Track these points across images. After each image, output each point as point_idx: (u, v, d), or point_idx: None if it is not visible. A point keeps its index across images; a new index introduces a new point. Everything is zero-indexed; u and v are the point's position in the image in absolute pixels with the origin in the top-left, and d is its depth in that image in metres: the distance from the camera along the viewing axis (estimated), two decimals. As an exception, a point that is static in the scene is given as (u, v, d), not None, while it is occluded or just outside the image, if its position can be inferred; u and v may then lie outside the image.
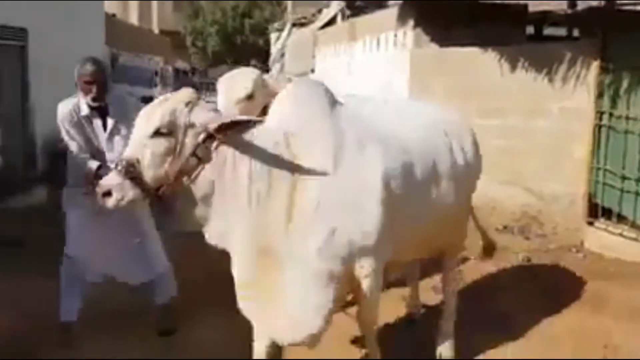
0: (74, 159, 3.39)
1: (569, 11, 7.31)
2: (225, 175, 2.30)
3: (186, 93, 2.34)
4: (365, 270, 2.55)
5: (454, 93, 6.51)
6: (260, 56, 33.81)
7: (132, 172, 2.23)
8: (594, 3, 6.19)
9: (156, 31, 35.66)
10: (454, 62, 6.76)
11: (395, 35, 8.12)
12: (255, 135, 2.34)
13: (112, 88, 3.55)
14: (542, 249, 5.49)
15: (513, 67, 6.16)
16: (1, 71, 6.95)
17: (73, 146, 3.36)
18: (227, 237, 2.36)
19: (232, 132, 2.27)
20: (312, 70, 13.25)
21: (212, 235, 2.36)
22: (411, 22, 7.59)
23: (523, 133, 6.20)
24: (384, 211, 2.48)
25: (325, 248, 2.39)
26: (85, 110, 3.36)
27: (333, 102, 2.57)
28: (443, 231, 3.01)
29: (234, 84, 3.04)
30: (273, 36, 27.03)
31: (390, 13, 8.41)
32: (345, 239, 2.43)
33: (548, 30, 9.23)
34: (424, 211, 2.76)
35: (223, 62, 38.93)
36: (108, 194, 2.25)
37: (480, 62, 6.52)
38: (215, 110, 2.39)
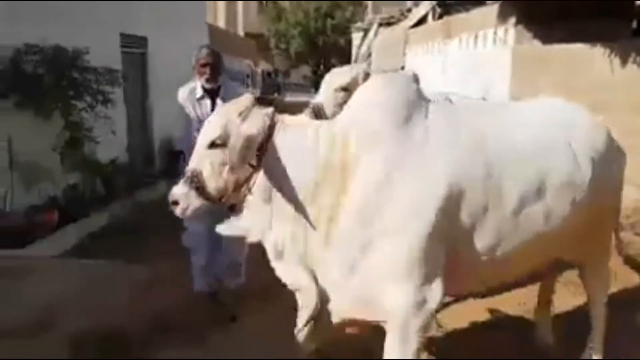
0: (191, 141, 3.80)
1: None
2: (275, 183, 2.34)
3: (243, 101, 2.41)
4: (392, 301, 2.27)
5: (560, 89, 6.50)
6: (341, 56, 34.08)
7: (196, 182, 2.32)
8: None
9: (241, 34, 36.81)
10: (559, 59, 6.76)
11: (495, 33, 8.17)
12: (306, 142, 2.35)
13: (224, 76, 3.94)
14: (655, 246, 5.46)
15: (623, 63, 6.12)
16: (127, 76, 7.60)
17: (195, 122, 3.74)
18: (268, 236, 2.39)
19: (280, 139, 2.33)
20: (402, 68, 13.40)
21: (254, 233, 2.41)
22: (512, 20, 7.64)
23: (633, 128, 6.14)
24: (434, 235, 2.25)
25: (349, 264, 2.29)
26: (199, 92, 3.77)
27: (415, 99, 2.43)
28: (556, 249, 2.72)
29: (335, 78, 3.20)
30: (355, 36, 27.31)
31: (490, 11, 8.47)
32: (373, 260, 2.26)
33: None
34: (518, 233, 2.43)
35: (305, 63, 39.66)
36: (175, 202, 2.37)
37: (587, 58, 6.50)
38: (269, 115, 2.37)
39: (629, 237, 5.64)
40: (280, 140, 2.35)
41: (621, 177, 2.97)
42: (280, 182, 2.33)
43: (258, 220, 2.39)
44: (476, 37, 8.95)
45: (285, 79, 38.23)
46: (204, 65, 3.74)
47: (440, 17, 12.95)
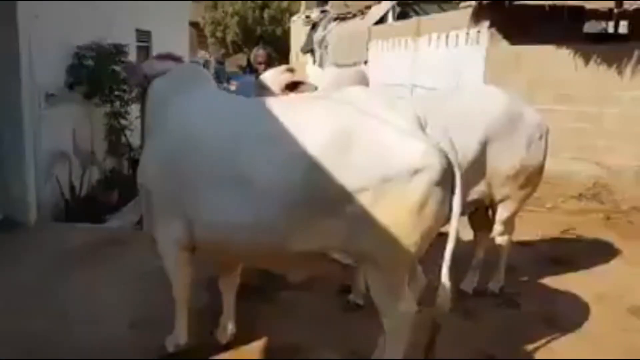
0: None
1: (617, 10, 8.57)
2: None
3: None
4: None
5: (532, 84, 7.78)
6: (277, 46, 34.69)
7: None
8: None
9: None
10: (530, 58, 8.00)
11: (468, 33, 9.35)
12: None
13: None
14: (616, 210, 6.85)
15: (586, 62, 7.45)
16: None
17: None
18: None
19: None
20: (365, 62, 14.45)
21: None
22: (486, 23, 8.83)
23: (595, 117, 7.50)
24: (159, 188, 2.85)
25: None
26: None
27: (192, 82, 3.05)
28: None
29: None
30: (296, 27, 28.19)
31: (461, 14, 9.66)
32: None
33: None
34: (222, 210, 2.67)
35: (240, 52, 40.05)
36: None
37: (554, 58, 7.79)
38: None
39: (595, 205, 7.03)
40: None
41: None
42: None
43: None
44: (447, 36, 10.10)
45: (221, 66, 38.51)
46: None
47: (399, 16, 14.12)
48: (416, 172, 2.46)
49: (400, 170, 2.47)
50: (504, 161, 3.85)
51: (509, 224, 4.16)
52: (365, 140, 2.51)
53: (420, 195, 2.48)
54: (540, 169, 4.06)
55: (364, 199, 2.49)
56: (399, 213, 2.50)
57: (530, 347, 3.52)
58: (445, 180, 2.53)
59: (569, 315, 3.97)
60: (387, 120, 2.56)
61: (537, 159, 3.98)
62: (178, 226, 2.83)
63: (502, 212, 4.07)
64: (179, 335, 3.20)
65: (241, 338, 3.40)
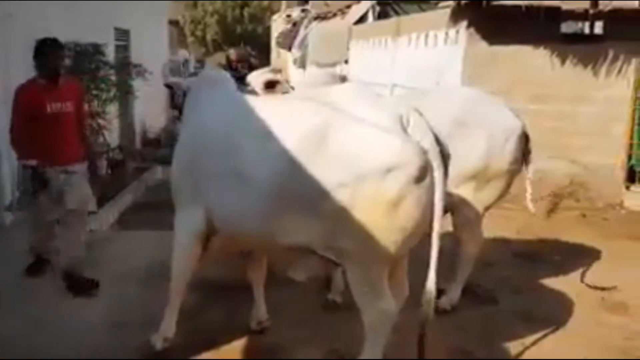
0: None
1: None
2: None
3: None
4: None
5: (509, 83, 7.86)
6: (258, 44, 34.59)
7: None
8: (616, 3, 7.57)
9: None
10: (507, 58, 8.09)
11: (447, 34, 9.41)
12: None
13: None
14: (592, 208, 6.97)
15: (562, 62, 7.56)
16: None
17: None
18: None
19: None
20: (346, 62, 14.49)
21: None
22: (464, 23, 8.89)
23: (570, 116, 7.62)
24: (184, 175, 3.07)
25: None
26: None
27: (214, 85, 3.35)
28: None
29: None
30: (277, 26, 28.17)
31: (440, 14, 9.74)
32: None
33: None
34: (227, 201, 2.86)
35: (221, 51, 39.87)
36: None
37: (531, 58, 7.89)
38: None
39: (571, 203, 7.15)
40: None
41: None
42: None
43: None
44: (427, 36, 10.16)
45: (201, 65, 38.28)
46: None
47: (379, 15, 14.16)
48: (390, 170, 2.45)
49: (373, 167, 2.46)
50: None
51: (468, 231, 3.92)
52: (341, 136, 2.53)
53: (395, 193, 2.46)
54: (507, 173, 3.86)
55: (343, 196, 2.51)
56: (374, 211, 2.49)
57: (507, 343, 3.58)
58: (425, 178, 2.50)
59: (545, 311, 4.04)
60: (366, 117, 2.55)
61: (499, 163, 3.77)
62: (199, 215, 2.98)
63: (457, 217, 3.88)
64: (168, 328, 3.21)
65: (222, 337, 3.41)
